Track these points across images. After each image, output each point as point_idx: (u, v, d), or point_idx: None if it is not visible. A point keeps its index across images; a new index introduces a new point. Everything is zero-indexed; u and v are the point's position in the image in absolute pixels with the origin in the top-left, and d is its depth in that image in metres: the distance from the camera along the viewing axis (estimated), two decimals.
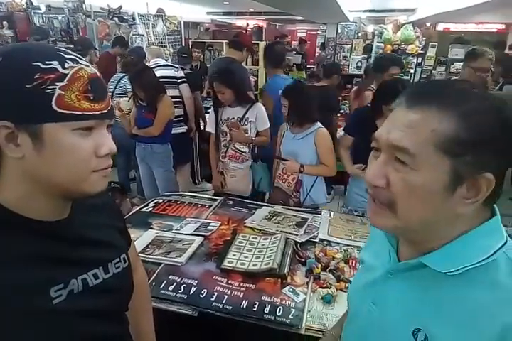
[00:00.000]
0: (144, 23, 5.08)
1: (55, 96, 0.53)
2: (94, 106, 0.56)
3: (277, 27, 15.66)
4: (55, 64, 0.54)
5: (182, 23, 5.53)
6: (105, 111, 0.59)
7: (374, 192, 0.55)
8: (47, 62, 0.53)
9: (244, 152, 2.39)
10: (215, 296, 1.35)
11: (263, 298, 1.35)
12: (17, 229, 0.58)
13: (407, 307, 0.59)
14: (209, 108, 2.84)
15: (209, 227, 1.82)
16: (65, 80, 0.53)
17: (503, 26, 10.33)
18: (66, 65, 0.54)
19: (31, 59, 0.53)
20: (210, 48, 5.60)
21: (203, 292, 1.36)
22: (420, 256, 0.56)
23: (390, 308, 0.61)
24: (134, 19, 5.06)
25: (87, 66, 0.57)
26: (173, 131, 2.91)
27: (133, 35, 4.96)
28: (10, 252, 0.56)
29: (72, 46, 5.29)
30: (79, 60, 0.57)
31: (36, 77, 0.52)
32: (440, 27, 11.23)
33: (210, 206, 2.09)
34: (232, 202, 2.17)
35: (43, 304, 0.58)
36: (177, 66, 3.48)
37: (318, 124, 2.15)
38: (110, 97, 0.63)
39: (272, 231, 1.78)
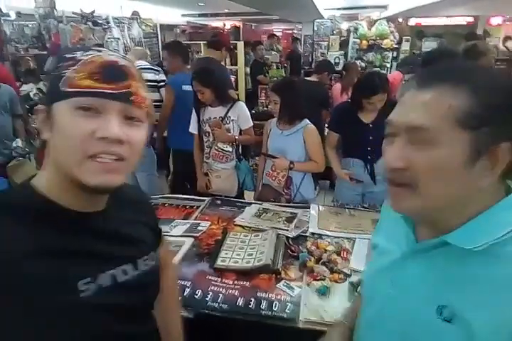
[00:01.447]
0: (119, 26, 5.00)
1: (64, 78, 0.56)
2: (96, 85, 0.56)
3: (253, 27, 15.67)
4: (78, 53, 0.58)
5: (158, 25, 5.46)
6: (113, 91, 0.57)
7: (394, 176, 0.55)
8: (73, 53, 0.58)
9: (228, 151, 2.38)
10: (210, 296, 1.33)
11: (258, 294, 1.35)
12: (51, 217, 0.59)
13: (430, 285, 0.59)
14: None
15: (199, 228, 1.80)
16: (78, 64, 0.57)
17: (471, 19, 10.63)
18: (85, 53, 0.58)
19: (64, 53, 0.59)
20: (188, 50, 5.56)
21: (197, 293, 1.35)
22: (441, 234, 0.56)
23: (412, 289, 0.61)
24: (108, 22, 4.97)
25: (111, 55, 0.60)
26: (154, 135, 2.88)
27: (108, 38, 4.87)
28: (41, 241, 0.56)
29: (45, 53, 5.18)
30: (102, 50, 0.60)
31: (60, 65, 0.58)
32: (412, 22, 11.46)
33: (198, 207, 2.07)
34: (221, 201, 2.16)
35: (69, 296, 0.57)
36: (158, 69, 3.40)
37: (307, 121, 2.15)
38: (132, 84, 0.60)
39: (263, 228, 1.78)
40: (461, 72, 0.53)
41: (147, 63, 3.54)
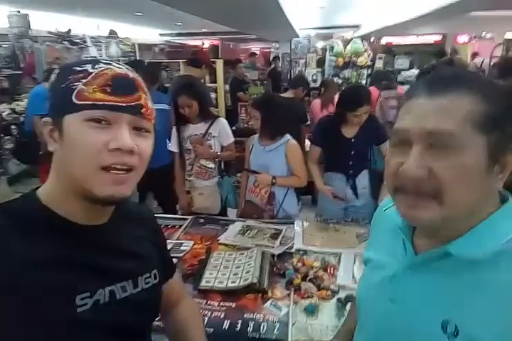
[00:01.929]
0: (97, 45, 4.98)
1: (76, 90, 0.57)
2: (108, 98, 0.57)
3: (231, 46, 15.95)
4: (88, 66, 0.59)
5: (136, 44, 5.48)
6: (123, 104, 0.58)
7: (416, 185, 0.52)
8: (82, 66, 0.59)
9: (211, 168, 2.35)
10: None
11: (245, 315, 1.31)
12: (53, 229, 0.59)
13: (432, 299, 0.57)
14: None
15: (182, 248, 1.75)
16: (89, 77, 0.58)
17: (439, 37, 11.15)
18: (96, 66, 0.59)
19: (73, 65, 0.60)
20: (167, 69, 5.58)
21: None
22: (440, 244, 0.55)
23: (413, 303, 0.59)
24: (85, 42, 4.95)
25: (119, 68, 0.60)
26: None
27: (85, 57, 4.84)
28: (42, 253, 0.56)
29: (19, 72, 5.08)
30: (113, 64, 0.61)
31: (70, 77, 0.58)
32: (384, 41, 11.94)
33: (180, 226, 2.01)
34: (203, 219, 2.11)
35: (66, 310, 0.57)
36: None
37: (288, 136, 2.15)
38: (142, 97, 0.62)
39: (248, 246, 1.74)
40: (469, 78, 0.55)
41: None
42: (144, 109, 0.61)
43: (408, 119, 0.54)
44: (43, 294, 0.54)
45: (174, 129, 2.38)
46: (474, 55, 7.92)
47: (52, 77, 0.65)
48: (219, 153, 2.36)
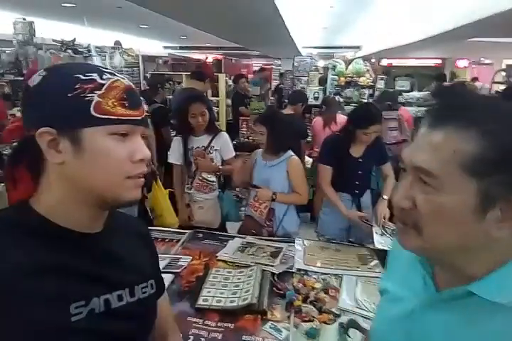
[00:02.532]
0: (101, 55, 5.00)
1: (93, 103, 0.56)
2: (129, 113, 0.59)
3: (233, 61, 16.18)
4: (95, 76, 0.58)
5: (140, 55, 5.52)
6: (139, 118, 0.61)
7: (401, 214, 0.54)
8: (87, 74, 0.58)
9: (212, 181, 2.32)
10: (191, 340, 1.22)
11: (244, 337, 1.25)
12: (48, 238, 0.58)
13: (453, 339, 0.54)
14: None
15: (179, 263, 1.70)
16: (103, 89, 0.57)
17: (439, 61, 11.42)
18: (104, 77, 0.59)
19: (73, 72, 0.58)
20: (170, 81, 5.61)
21: None
22: (464, 284, 0.52)
23: None
24: (89, 51, 4.96)
25: (123, 79, 0.61)
26: None
27: None
28: (38, 261, 0.56)
29: (21, 78, 5.08)
30: (115, 74, 0.61)
31: (77, 86, 0.56)
32: (384, 62, 12.19)
33: (178, 240, 1.96)
34: (202, 234, 2.06)
35: (60, 319, 0.56)
36: (143, 99, 3.31)
37: (290, 152, 2.13)
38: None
39: (247, 264, 1.69)
40: (471, 110, 0.49)
41: None
42: (147, 119, 0.66)
43: (408, 149, 0.54)
44: (37, 303, 0.54)
45: (177, 141, 2.35)
46: (474, 79, 8.07)
47: (36, 79, 0.58)
48: (220, 167, 2.33)
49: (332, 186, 2.22)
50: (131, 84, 0.63)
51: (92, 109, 0.56)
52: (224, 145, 2.35)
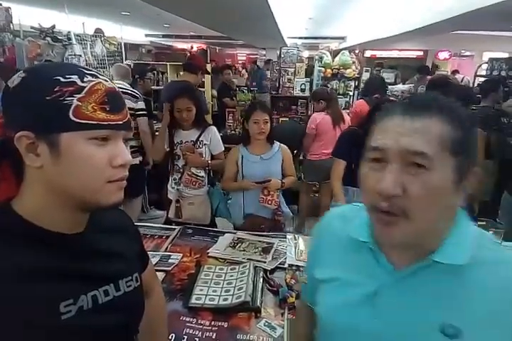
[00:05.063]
0: (81, 43, 4.83)
1: (72, 107, 0.55)
2: (110, 117, 0.58)
3: (217, 51, 15.93)
4: (75, 78, 0.56)
5: (123, 44, 5.35)
6: (120, 122, 0.60)
7: (388, 204, 0.56)
8: (67, 76, 0.56)
9: (201, 177, 2.28)
10: (185, 340, 1.21)
11: (238, 336, 1.25)
12: (31, 240, 0.58)
13: (426, 306, 0.60)
14: None
15: (170, 261, 1.67)
16: (83, 92, 0.56)
17: (421, 53, 11.52)
18: (85, 79, 0.57)
19: (53, 73, 0.56)
20: (153, 70, 5.48)
21: (170, 337, 1.22)
22: (422, 257, 0.60)
23: (406, 315, 0.61)
24: (69, 39, 4.78)
25: (106, 81, 0.59)
26: None
27: (69, 55, 4.67)
28: (23, 264, 0.56)
29: None
30: (98, 76, 0.59)
31: (56, 89, 0.55)
32: (367, 54, 12.23)
33: (168, 236, 1.93)
34: (192, 230, 2.03)
35: (51, 319, 0.57)
36: (138, 95, 3.10)
37: (277, 142, 2.25)
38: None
39: (239, 260, 1.68)
40: (442, 104, 0.58)
41: (127, 85, 3.18)
42: (130, 122, 0.63)
43: (386, 138, 0.58)
44: (26, 304, 0.54)
45: (165, 133, 2.30)
46: (454, 72, 8.19)
47: (16, 80, 0.56)
48: (210, 162, 2.30)
49: (344, 180, 2.22)
50: (115, 86, 0.61)
51: (70, 113, 0.55)
52: (213, 140, 2.31)
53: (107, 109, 0.57)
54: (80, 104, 0.55)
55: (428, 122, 0.55)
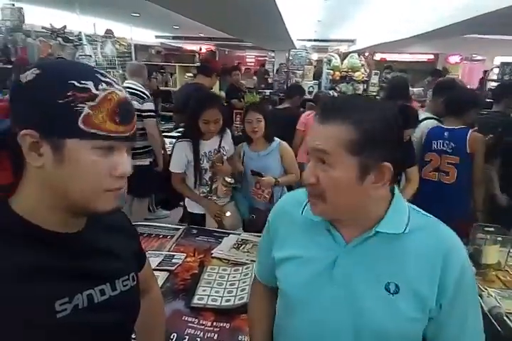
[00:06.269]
0: (92, 44, 4.88)
1: (82, 114, 0.54)
2: (119, 129, 0.58)
3: (226, 52, 15.98)
4: (90, 84, 0.56)
5: (132, 45, 5.39)
6: (128, 134, 0.60)
7: (310, 189, 0.73)
8: (82, 82, 0.55)
9: (233, 183, 2.23)
10: (186, 340, 1.21)
11: (240, 337, 1.24)
12: (31, 240, 0.58)
13: (372, 271, 0.73)
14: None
15: (173, 260, 1.67)
16: (96, 101, 0.55)
17: (432, 56, 11.43)
18: (100, 87, 0.56)
19: (68, 76, 0.55)
20: (162, 71, 5.51)
21: (172, 336, 1.22)
22: (367, 230, 0.74)
23: (359, 278, 0.74)
24: (80, 39, 4.84)
25: (120, 90, 0.59)
26: (136, 163, 2.70)
27: (79, 55, 4.73)
28: (23, 263, 0.56)
29: (10, 66, 4.93)
30: (113, 84, 0.59)
31: (69, 94, 0.54)
32: (377, 57, 12.18)
33: (172, 236, 1.93)
34: (196, 230, 2.03)
35: (46, 317, 0.57)
36: (146, 95, 3.05)
37: (277, 139, 2.28)
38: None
39: (243, 261, 1.68)
40: (348, 109, 0.68)
41: (139, 85, 3.13)
42: (135, 133, 0.63)
43: (310, 138, 0.72)
44: (26, 304, 0.54)
45: (184, 146, 2.09)
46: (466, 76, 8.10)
47: (29, 76, 0.55)
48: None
49: None
50: (127, 96, 0.61)
51: (80, 120, 0.54)
52: (230, 143, 2.24)
53: (117, 120, 0.57)
54: (90, 112, 0.55)
55: (334, 126, 0.67)
